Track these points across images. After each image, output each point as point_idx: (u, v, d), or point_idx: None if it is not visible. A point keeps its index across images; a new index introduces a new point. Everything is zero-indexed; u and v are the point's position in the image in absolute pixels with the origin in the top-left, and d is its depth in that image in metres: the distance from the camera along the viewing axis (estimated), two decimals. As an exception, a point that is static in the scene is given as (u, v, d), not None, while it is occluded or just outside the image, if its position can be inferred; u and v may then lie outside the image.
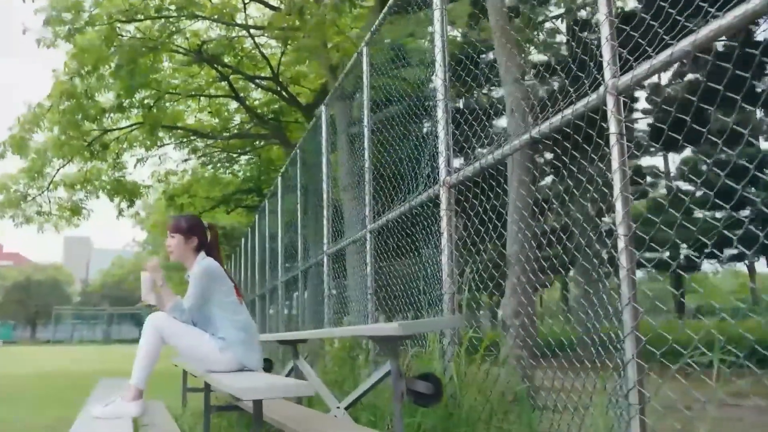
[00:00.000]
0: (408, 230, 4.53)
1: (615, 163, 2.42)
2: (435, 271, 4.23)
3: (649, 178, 26.69)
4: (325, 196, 7.09)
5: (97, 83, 14.15)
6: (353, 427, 3.46)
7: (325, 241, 7.05)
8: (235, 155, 20.10)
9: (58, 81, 13.80)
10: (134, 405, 3.57)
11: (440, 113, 4.05)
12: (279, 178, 10.31)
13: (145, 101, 15.96)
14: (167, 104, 16.51)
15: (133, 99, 15.43)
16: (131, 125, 16.55)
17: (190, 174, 20.21)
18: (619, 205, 2.40)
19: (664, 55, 2.24)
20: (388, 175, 5.07)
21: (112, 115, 15.88)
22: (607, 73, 2.50)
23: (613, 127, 2.44)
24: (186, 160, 19.30)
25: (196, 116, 18.27)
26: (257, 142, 19.16)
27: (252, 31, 14.57)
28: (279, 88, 15.53)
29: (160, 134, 17.27)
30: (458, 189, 3.97)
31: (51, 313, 63.58)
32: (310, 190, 8.21)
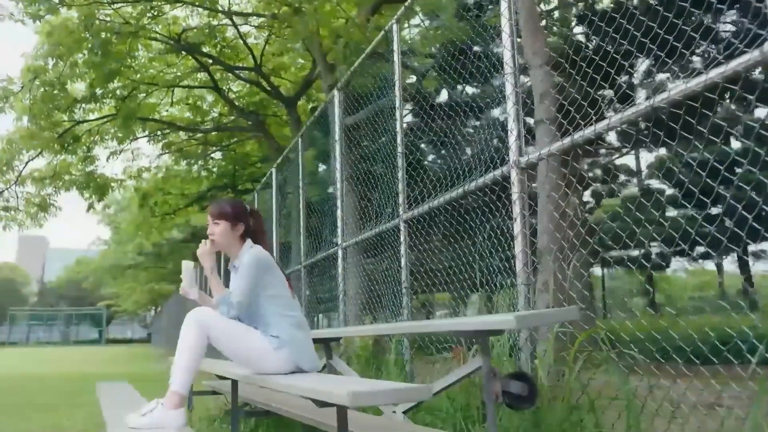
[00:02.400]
0: (459, 217, 4.13)
1: None
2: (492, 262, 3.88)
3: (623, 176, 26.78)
4: (339, 185, 6.65)
5: (70, 71, 13.40)
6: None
7: (339, 233, 6.62)
8: (210, 150, 19.42)
9: (28, 65, 13.04)
10: (178, 414, 3.10)
11: (509, 87, 3.68)
12: (273, 170, 9.81)
13: (118, 91, 15.25)
14: (142, 95, 15.80)
15: (106, 89, 14.70)
16: (103, 117, 15.80)
17: (164, 170, 19.46)
18: None
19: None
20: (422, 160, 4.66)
21: (84, 105, 15.11)
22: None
23: None
24: (161, 155, 18.56)
25: (168, 110, 17.56)
26: (233, 137, 18.55)
27: (236, 20, 14.01)
28: (261, 79, 14.99)
29: (133, 127, 16.54)
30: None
31: (6, 314, 61.50)
32: (317, 180, 7.77)
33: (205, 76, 15.47)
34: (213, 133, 17.91)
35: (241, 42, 14.62)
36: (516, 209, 3.55)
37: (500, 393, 2.85)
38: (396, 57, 5.30)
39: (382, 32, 5.58)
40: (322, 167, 12.43)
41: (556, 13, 13.84)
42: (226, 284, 3.46)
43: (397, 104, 5.23)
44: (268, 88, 15.18)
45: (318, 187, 10.32)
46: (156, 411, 3.10)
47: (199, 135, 17.86)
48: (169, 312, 35.95)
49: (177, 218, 20.72)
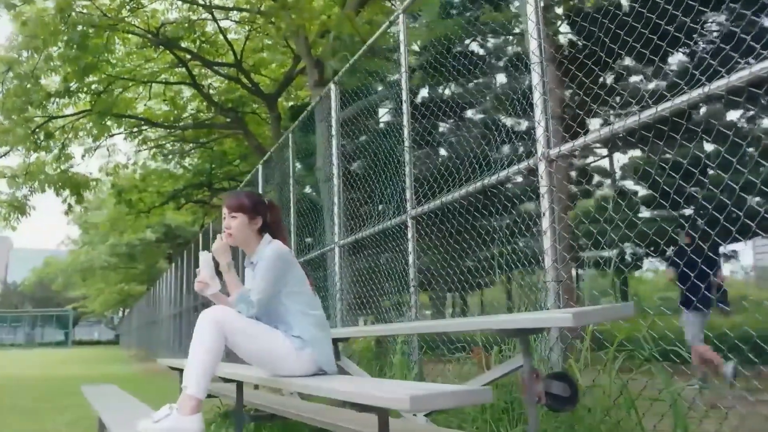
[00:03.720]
0: (477, 213, 3.98)
1: None
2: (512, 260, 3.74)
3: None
4: (336, 181, 6.46)
5: (44, 64, 12.98)
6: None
7: (336, 231, 6.43)
8: (187, 147, 19.04)
9: (0, 56, 12.60)
10: (194, 420, 2.89)
11: (536, 78, 3.54)
12: (260, 167, 9.57)
13: (94, 86, 14.83)
14: (118, 90, 15.38)
15: (82, 83, 14.28)
16: (78, 113, 15.35)
17: (141, 167, 19.01)
18: None
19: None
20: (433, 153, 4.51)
21: (57, 100, 14.67)
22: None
23: None
24: (138, 151, 18.13)
25: (146, 104, 17.14)
26: (211, 134, 18.20)
27: (216, 14, 13.72)
28: (241, 75, 14.71)
29: (109, 123, 16.12)
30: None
31: (-33, 315, 59.93)
32: (307, 176, 7.56)
33: (184, 71, 15.12)
34: (191, 129, 17.53)
35: (221, 37, 14.33)
36: (544, 203, 3.41)
37: (543, 394, 2.71)
38: (402, 48, 5.14)
39: (387, 23, 5.41)
40: (312, 163, 12.18)
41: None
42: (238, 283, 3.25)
43: (404, 97, 5.07)
44: (249, 85, 14.90)
45: (309, 184, 10.09)
46: (171, 417, 2.89)
47: (177, 131, 17.47)
48: (139, 313, 35.31)
49: (152, 217, 20.27)
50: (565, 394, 2.76)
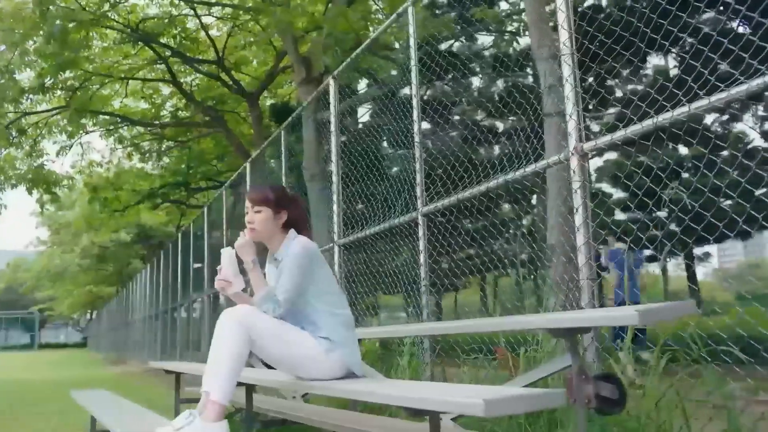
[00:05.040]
0: (493, 210, 3.86)
1: None
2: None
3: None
4: (335, 179, 6.29)
5: (20, 59, 12.57)
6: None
7: (335, 230, 6.26)
8: (165, 146, 18.64)
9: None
10: (220, 427, 2.71)
11: (567, 70, 3.43)
12: (248, 164, 9.34)
13: (69, 82, 14.42)
14: (94, 86, 14.98)
15: (57, 79, 13.87)
16: (53, 109, 14.92)
17: (116, 165, 18.56)
18: None
19: None
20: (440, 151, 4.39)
21: (31, 96, 14.23)
22: None
23: None
24: (114, 150, 17.69)
25: (123, 101, 16.74)
26: (190, 132, 17.85)
27: (198, 10, 13.43)
28: (222, 73, 14.43)
29: (84, 121, 15.70)
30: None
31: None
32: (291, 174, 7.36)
33: (163, 68, 14.79)
34: (169, 128, 17.16)
35: (203, 34, 14.04)
36: (577, 199, 3.30)
37: (593, 396, 2.59)
38: (412, 41, 5.00)
39: (395, 15, 5.27)
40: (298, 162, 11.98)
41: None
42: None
43: (414, 91, 4.93)
44: (230, 83, 14.63)
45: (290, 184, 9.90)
46: (195, 424, 2.71)
47: (155, 130, 17.09)
48: (110, 315, 34.57)
49: (128, 216, 19.82)
50: (613, 396, 2.65)
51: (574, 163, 3.35)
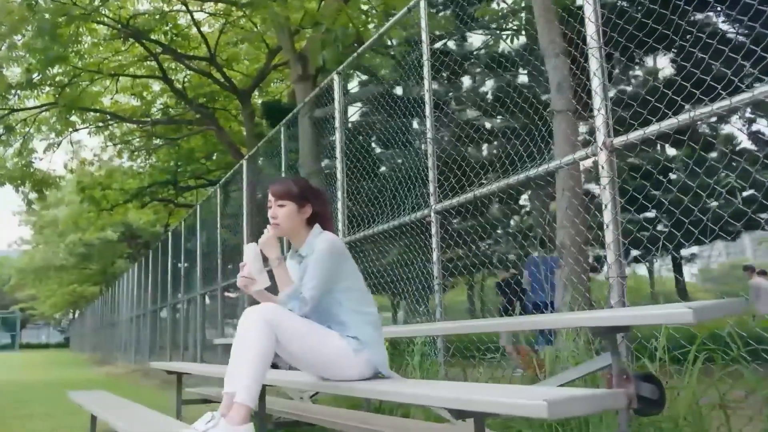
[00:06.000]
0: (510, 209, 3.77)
1: None
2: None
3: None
4: (339, 176, 6.19)
5: (7, 53, 12.33)
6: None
7: (339, 227, 6.15)
8: (154, 144, 18.41)
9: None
10: (246, 430, 2.59)
11: (594, 63, 3.35)
12: (244, 162, 9.20)
13: (58, 78, 14.18)
14: (84, 83, 14.74)
15: (46, 74, 13.61)
16: (42, 105, 14.66)
17: (107, 163, 18.30)
18: None
19: None
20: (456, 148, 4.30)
21: (18, 92, 13.97)
22: None
23: None
24: (104, 147, 17.44)
25: (113, 98, 16.51)
26: (180, 130, 17.64)
27: (190, 6, 13.25)
28: (214, 70, 14.26)
29: (73, 118, 15.46)
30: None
31: None
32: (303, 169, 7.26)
33: (154, 64, 14.59)
34: (160, 125, 16.95)
35: (194, 30, 13.86)
36: (606, 195, 3.22)
37: (635, 397, 2.51)
38: (424, 36, 4.91)
39: (405, 9, 5.18)
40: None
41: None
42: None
43: (426, 86, 4.84)
44: (221, 80, 14.46)
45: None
46: (219, 427, 2.59)
47: (141, 127, 16.85)
48: (94, 315, 34.13)
49: (115, 215, 19.56)
50: (654, 396, 2.58)
51: (602, 158, 3.27)
